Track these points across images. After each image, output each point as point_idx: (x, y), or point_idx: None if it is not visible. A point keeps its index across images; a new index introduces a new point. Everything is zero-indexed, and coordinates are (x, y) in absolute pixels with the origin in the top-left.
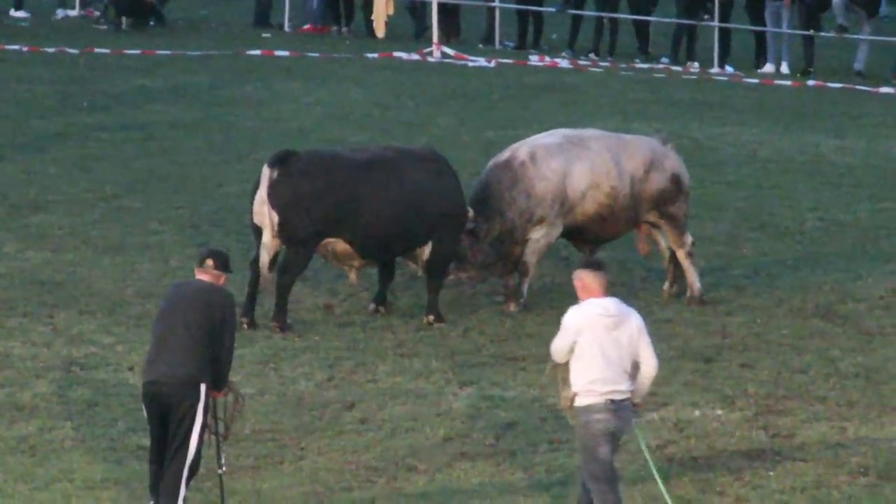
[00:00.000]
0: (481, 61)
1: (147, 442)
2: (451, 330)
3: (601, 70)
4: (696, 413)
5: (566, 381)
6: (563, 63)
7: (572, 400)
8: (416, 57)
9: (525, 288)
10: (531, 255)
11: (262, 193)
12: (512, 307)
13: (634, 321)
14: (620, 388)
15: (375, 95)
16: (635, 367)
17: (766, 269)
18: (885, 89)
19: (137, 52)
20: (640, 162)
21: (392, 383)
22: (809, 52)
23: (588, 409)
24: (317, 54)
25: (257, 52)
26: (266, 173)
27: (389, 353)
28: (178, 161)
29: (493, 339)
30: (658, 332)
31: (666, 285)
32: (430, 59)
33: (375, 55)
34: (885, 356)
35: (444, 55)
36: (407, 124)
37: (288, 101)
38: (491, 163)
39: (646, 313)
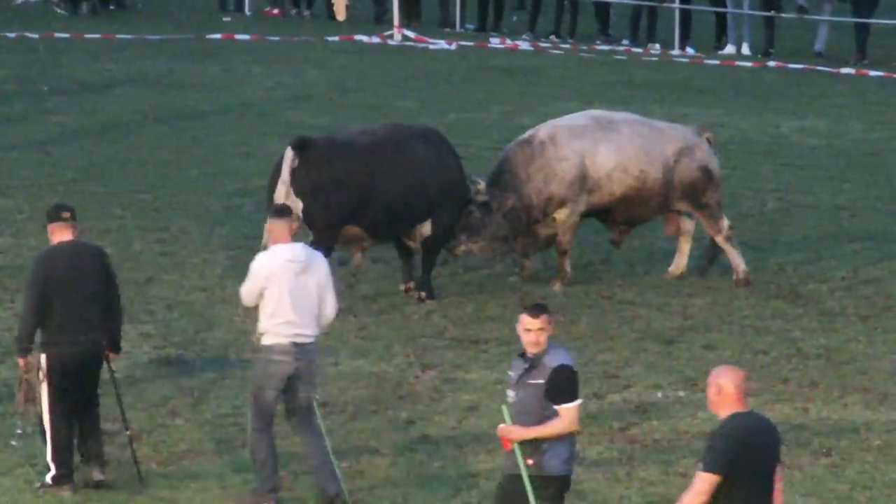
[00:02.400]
0: (442, 44)
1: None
2: (413, 313)
3: (562, 52)
4: (659, 395)
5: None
6: (524, 45)
7: (258, 339)
8: (376, 40)
9: (568, 267)
10: (563, 234)
11: (283, 176)
12: (557, 287)
13: (322, 267)
14: (306, 332)
15: (336, 78)
16: (321, 311)
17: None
18: (845, 70)
19: (97, 36)
20: (672, 149)
21: (354, 366)
22: (770, 33)
23: (271, 348)
24: (277, 38)
25: (218, 35)
26: (288, 157)
27: (351, 336)
28: (138, 145)
29: (454, 322)
30: (620, 313)
31: (672, 267)
32: (390, 42)
33: (336, 38)
34: (846, 337)
35: (405, 38)
36: (368, 107)
37: (249, 84)
38: (513, 142)
39: (607, 295)
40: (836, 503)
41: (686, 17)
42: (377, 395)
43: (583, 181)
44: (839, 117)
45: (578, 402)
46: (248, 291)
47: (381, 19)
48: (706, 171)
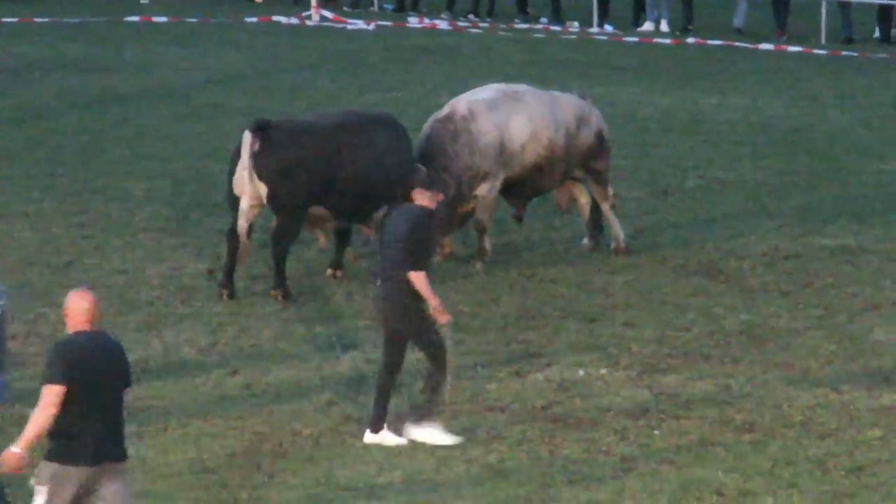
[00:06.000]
0: (360, 24)
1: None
2: (334, 294)
3: (480, 31)
4: (581, 373)
5: None
6: (443, 25)
7: None
8: (294, 21)
9: (488, 245)
10: (483, 211)
11: (244, 160)
12: (479, 266)
13: None
14: None
15: (255, 60)
16: None
17: (648, 228)
18: (764, 46)
19: (15, 20)
20: (572, 116)
21: (275, 348)
22: (689, 9)
23: None
24: (195, 19)
25: (135, 18)
26: (247, 140)
27: (272, 318)
28: (57, 129)
29: None
30: (541, 292)
31: (585, 240)
32: (308, 22)
33: (254, 19)
34: (767, 313)
35: (323, 19)
36: (287, 88)
37: (167, 66)
38: (431, 119)
39: (528, 274)
40: (759, 479)
41: None
42: (299, 376)
43: (501, 154)
44: (759, 93)
45: None
46: None
47: (298, 0)
48: (600, 137)
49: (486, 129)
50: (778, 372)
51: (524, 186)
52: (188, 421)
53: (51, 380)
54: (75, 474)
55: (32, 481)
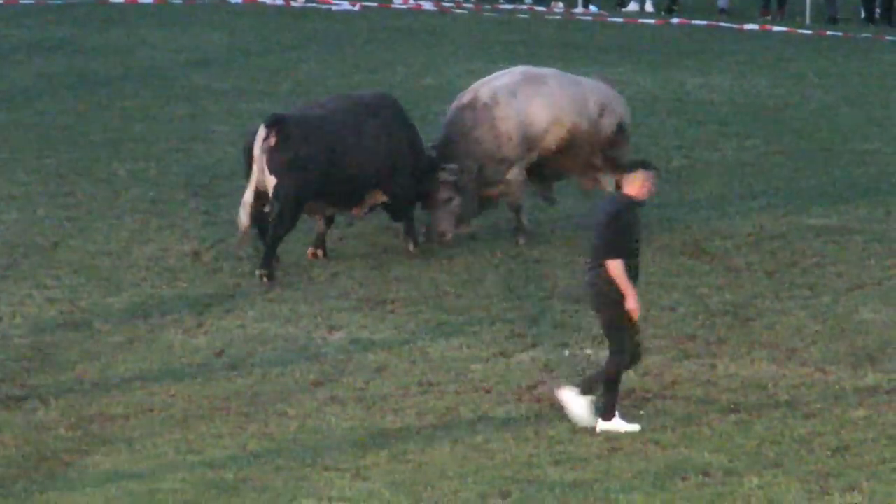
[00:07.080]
0: (345, 5)
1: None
2: (319, 275)
3: (465, 12)
4: (566, 353)
5: None
6: (427, 5)
7: None
8: (279, 2)
9: (525, 221)
10: (514, 193)
11: (256, 154)
12: (521, 240)
13: None
14: None
15: (240, 41)
16: None
17: None
18: (749, 26)
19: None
20: (596, 103)
21: (261, 329)
22: None
23: None
24: (180, 1)
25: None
26: (261, 135)
27: (258, 298)
28: (42, 111)
29: (361, 283)
30: (527, 272)
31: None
32: (294, 3)
33: (239, 0)
34: (752, 293)
35: None
36: (272, 70)
37: (151, 48)
38: (454, 106)
39: (514, 254)
40: (745, 459)
41: None
42: (284, 356)
43: (525, 139)
44: (743, 73)
45: None
46: None
47: None
48: (621, 127)
49: (507, 115)
50: (763, 351)
51: (547, 168)
52: (174, 402)
53: None
54: None
55: None
